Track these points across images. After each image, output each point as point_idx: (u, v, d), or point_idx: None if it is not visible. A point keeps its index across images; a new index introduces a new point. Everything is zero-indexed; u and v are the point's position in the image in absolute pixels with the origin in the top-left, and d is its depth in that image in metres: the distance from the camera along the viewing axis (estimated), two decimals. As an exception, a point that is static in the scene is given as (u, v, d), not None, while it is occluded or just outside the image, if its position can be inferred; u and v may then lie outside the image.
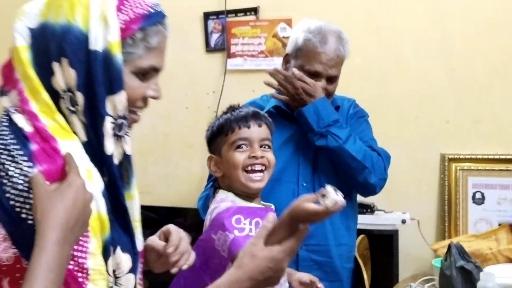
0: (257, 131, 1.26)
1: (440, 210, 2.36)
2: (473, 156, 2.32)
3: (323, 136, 1.59)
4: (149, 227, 2.82)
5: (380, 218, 2.23)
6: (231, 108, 1.33)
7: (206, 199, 1.57)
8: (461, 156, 2.33)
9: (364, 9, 2.45)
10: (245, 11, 2.57)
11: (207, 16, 2.62)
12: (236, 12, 2.58)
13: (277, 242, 0.84)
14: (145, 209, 2.61)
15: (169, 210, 2.67)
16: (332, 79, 1.68)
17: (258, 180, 1.23)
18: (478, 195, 2.31)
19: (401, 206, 2.33)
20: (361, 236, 2.00)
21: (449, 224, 2.32)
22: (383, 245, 2.20)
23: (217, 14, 2.60)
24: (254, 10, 2.55)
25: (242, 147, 1.25)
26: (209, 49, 2.64)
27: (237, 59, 2.59)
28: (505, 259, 1.93)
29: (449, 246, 1.71)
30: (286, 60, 1.74)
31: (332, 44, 1.63)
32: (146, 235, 1.07)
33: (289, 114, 1.67)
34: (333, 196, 0.81)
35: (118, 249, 0.82)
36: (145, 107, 0.93)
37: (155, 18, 0.84)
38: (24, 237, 0.71)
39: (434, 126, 2.37)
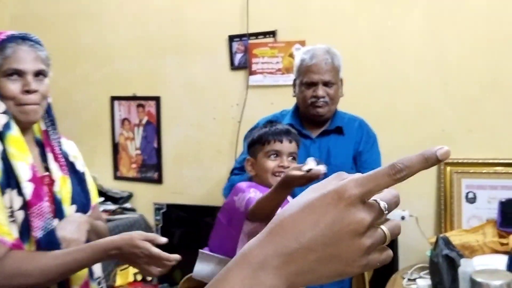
0: (287, 146, 1.52)
1: (437, 208, 2.48)
2: (466, 161, 2.41)
3: None
4: (183, 225, 3.12)
5: None
6: (270, 123, 1.60)
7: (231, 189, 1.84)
8: (456, 161, 2.42)
9: (371, 32, 2.61)
10: (265, 34, 2.80)
11: (231, 38, 2.87)
12: (257, 35, 2.81)
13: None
14: (180, 207, 2.97)
15: (200, 208, 2.92)
16: (327, 84, 1.94)
17: None
18: (470, 195, 2.41)
19: (401, 204, 2.35)
20: None
21: (445, 220, 2.43)
22: None
23: (240, 36, 2.85)
24: (273, 33, 2.78)
25: (273, 157, 1.52)
26: (233, 67, 2.89)
27: (257, 76, 2.82)
28: (490, 250, 2.04)
29: (437, 238, 1.90)
30: (294, 85, 2.02)
31: (319, 57, 1.93)
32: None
33: (300, 131, 1.90)
34: (310, 165, 1.16)
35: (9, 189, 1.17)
36: (29, 100, 1.26)
37: (7, 40, 1.23)
38: None
39: (431, 134, 2.49)
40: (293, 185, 1.28)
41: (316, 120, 1.96)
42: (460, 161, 2.45)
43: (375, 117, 2.61)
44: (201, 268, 1.47)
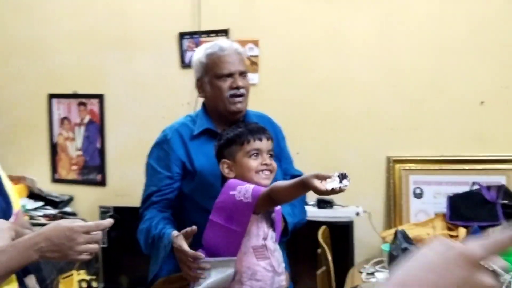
0: (266, 144, 1.51)
1: (387, 204, 2.59)
2: (413, 158, 2.54)
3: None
4: (132, 229, 2.94)
5: (338, 212, 2.46)
6: (243, 124, 1.57)
7: (148, 233, 1.64)
8: (403, 158, 2.54)
9: (322, 33, 2.66)
10: (217, 32, 2.76)
11: (182, 35, 2.81)
12: (208, 33, 2.76)
13: None
14: (129, 210, 2.84)
15: None
16: (242, 74, 1.76)
17: (267, 178, 1.48)
18: (417, 191, 2.54)
19: (355, 201, 2.52)
20: (323, 227, 2.21)
21: (394, 215, 2.54)
22: (341, 234, 2.41)
23: (191, 34, 2.79)
24: (225, 32, 2.75)
25: (255, 156, 1.49)
26: (184, 65, 2.83)
27: None
28: None
29: (396, 232, 1.97)
30: (200, 85, 1.82)
31: (229, 48, 1.77)
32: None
33: (218, 133, 1.74)
34: (334, 184, 1.17)
35: None
36: None
37: None
38: None
39: (381, 133, 2.59)
40: (311, 190, 1.29)
41: (232, 118, 1.76)
42: (407, 158, 2.57)
43: (325, 115, 2.69)
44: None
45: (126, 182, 2.99)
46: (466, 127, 2.54)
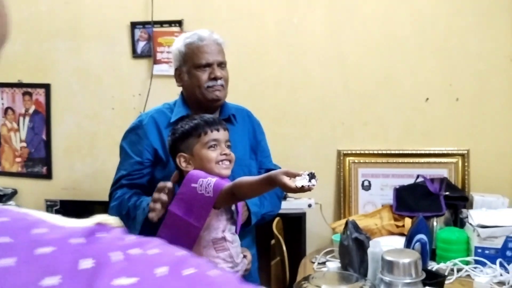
0: (223, 134, 1.50)
1: (337, 196, 2.65)
2: (362, 152, 2.61)
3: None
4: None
5: (291, 204, 2.49)
6: (199, 116, 1.54)
7: (120, 207, 1.66)
8: (353, 152, 2.60)
9: (276, 28, 2.69)
10: (170, 23, 2.72)
11: (134, 25, 2.75)
12: (161, 23, 2.72)
13: None
14: (76, 203, 2.75)
15: (99, 204, 2.65)
16: (222, 65, 1.79)
17: (227, 168, 1.48)
18: (366, 183, 2.61)
19: (307, 193, 2.46)
20: (277, 218, 2.27)
21: (344, 206, 2.61)
22: (294, 225, 2.45)
23: (143, 24, 2.74)
24: (179, 23, 2.72)
25: (214, 147, 1.48)
26: (135, 55, 2.77)
27: (163, 65, 2.74)
28: (387, 232, 2.24)
29: (346, 222, 2.01)
30: (178, 74, 1.83)
31: (208, 38, 1.80)
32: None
33: None
34: (303, 182, 1.18)
35: None
36: None
37: None
38: None
39: (332, 127, 2.65)
40: (279, 186, 1.29)
41: (211, 107, 1.80)
42: (356, 152, 2.65)
43: (278, 110, 2.72)
44: None
45: (73, 175, 2.91)
46: (412, 122, 2.64)
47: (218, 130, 1.51)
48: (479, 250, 2.00)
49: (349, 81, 2.67)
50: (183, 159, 1.50)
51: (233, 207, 1.50)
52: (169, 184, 1.49)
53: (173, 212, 1.38)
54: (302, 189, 1.26)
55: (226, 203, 1.41)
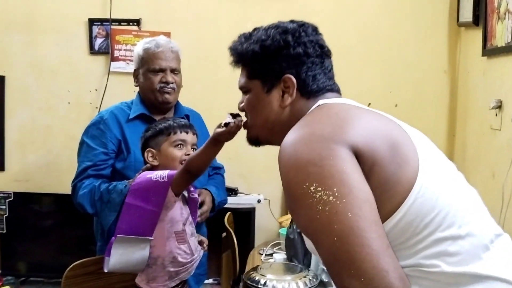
0: (191, 137, 1.62)
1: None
2: None
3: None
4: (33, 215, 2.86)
5: (241, 199, 2.62)
6: (172, 119, 1.67)
7: (92, 193, 1.75)
8: None
9: (231, 31, 2.61)
10: (128, 21, 2.79)
11: (92, 22, 2.78)
12: (120, 21, 2.78)
13: None
14: (30, 196, 2.78)
15: (53, 196, 2.76)
16: (175, 71, 1.95)
17: None
18: None
19: (257, 189, 2.71)
20: (228, 213, 2.33)
21: None
22: (244, 219, 2.57)
23: (101, 21, 2.78)
24: (137, 22, 2.78)
25: (180, 146, 1.59)
26: (93, 51, 2.81)
27: (120, 62, 2.80)
28: None
29: None
30: (136, 75, 1.99)
31: (164, 45, 1.96)
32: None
33: (152, 118, 1.93)
34: (227, 120, 1.33)
35: None
36: None
37: None
38: None
39: None
40: (221, 140, 1.41)
41: (162, 108, 1.97)
42: (304, 151, 2.81)
43: (230, 110, 2.81)
44: (117, 257, 1.46)
45: (27, 167, 2.92)
46: (355, 125, 2.84)
47: (187, 133, 1.63)
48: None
49: (298, 85, 2.83)
50: (151, 154, 1.61)
51: (192, 196, 1.61)
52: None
53: (130, 204, 1.46)
54: (231, 128, 1.36)
55: (185, 184, 1.50)
